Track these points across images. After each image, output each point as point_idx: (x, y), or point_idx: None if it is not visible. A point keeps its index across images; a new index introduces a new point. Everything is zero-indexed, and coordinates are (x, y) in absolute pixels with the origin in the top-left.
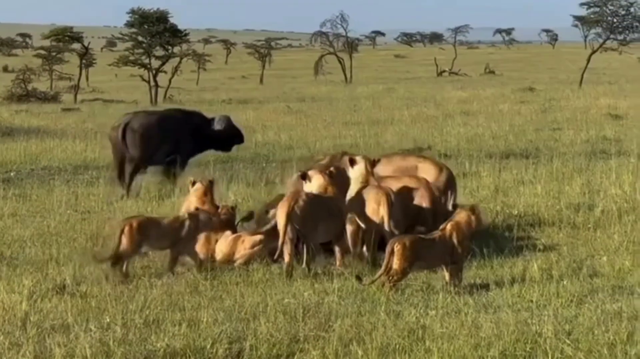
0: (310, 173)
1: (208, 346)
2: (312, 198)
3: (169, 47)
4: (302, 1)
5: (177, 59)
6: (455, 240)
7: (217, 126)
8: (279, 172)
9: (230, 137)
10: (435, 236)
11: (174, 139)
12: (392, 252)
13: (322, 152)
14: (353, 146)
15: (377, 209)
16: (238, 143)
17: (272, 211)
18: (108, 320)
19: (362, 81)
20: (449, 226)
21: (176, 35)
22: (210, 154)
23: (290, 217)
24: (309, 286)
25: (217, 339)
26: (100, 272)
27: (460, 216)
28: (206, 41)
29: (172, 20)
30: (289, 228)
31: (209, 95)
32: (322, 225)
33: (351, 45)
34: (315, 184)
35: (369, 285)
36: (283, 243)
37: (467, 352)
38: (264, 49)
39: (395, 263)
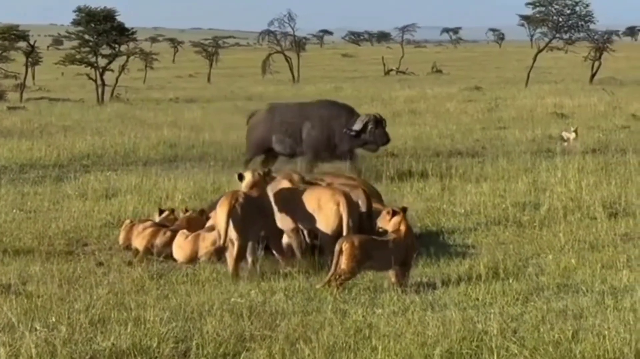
0: (245, 173)
1: (154, 346)
2: (249, 197)
3: (116, 46)
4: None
5: (124, 58)
6: (409, 241)
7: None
8: (225, 172)
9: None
10: (390, 239)
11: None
12: (340, 251)
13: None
14: None
15: (336, 210)
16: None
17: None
18: (54, 320)
19: (310, 80)
20: (403, 228)
21: (123, 33)
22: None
23: (230, 217)
24: (255, 286)
25: (163, 338)
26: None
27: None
28: (153, 40)
29: (119, 18)
30: (230, 228)
31: (156, 94)
32: (258, 224)
33: (299, 44)
34: (245, 182)
35: (322, 287)
36: (224, 243)
37: (414, 350)
38: (212, 47)
39: (344, 263)
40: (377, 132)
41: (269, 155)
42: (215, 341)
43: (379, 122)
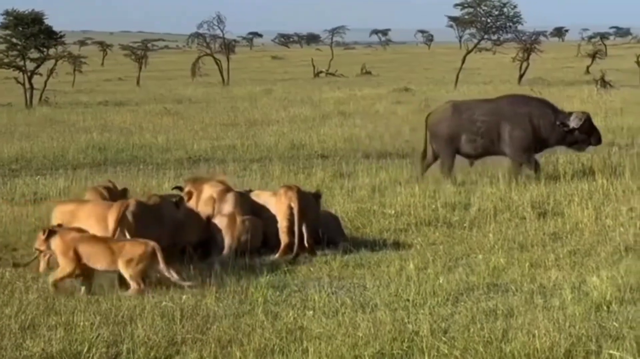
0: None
1: (84, 350)
2: (141, 205)
3: (44, 49)
4: (178, 3)
5: (53, 61)
6: None
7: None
8: (155, 174)
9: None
10: None
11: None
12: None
13: (200, 154)
14: (231, 147)
15: (289, 205)
16: None
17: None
18: None
19: (240, 82)
20: None
21: (51, 37)
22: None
23: (120, 223)
24: (186, 289)
25: (93, 343)
26: None
27: None
28: (82, 43)
29: (47, 21)
30: (118, 235)
31: (85, 97)
32: (150, 231)
33: (228, 47)
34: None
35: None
36: None
37: (345, 352)
38: (141, 50)
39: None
40: (594, 131)
41: (433, 153)
42: (146, 345)
43: (591, 120)
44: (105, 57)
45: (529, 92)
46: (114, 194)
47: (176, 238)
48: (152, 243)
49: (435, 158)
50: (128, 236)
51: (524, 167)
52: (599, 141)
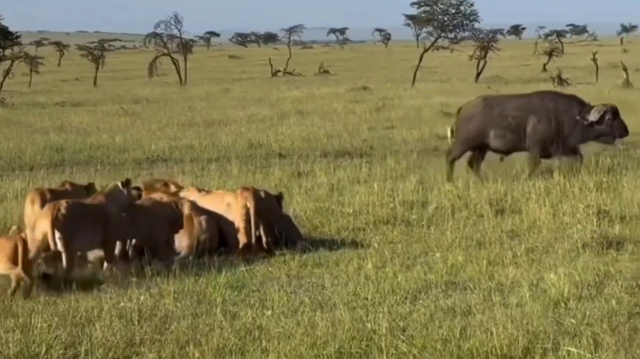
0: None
1: (42, 352)
2: (73, 205)
3: (0, 50)
4: (135, 3)
5: (9, 62)
6: None
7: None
8: (113, 175)
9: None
10: None
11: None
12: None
13: (157, 154)
14: (188, 147)
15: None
16: None
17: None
18: None
19: (197, 82)
20: None
21: (7, 37)
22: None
23: (53, 225)
24: (144, 290)
25: (51, 344)
26: None
27: None
28: (38, 43)
29: (2, 22)
30: (56, 236)
31: (42, 98)
32: (85, 232)
33: (185, 46)
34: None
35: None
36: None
37: (304, 351)
38: (98, 50)
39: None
40: (614, 123)
41: (478, 150)
42: (105, 346)
43: (616, 112)
44: (62, 57)
45: (485, 90)
46: (60, 195)
47: (129, 236)
48: (16, 238)
49: (479, 153)
50: (60, 238)
51: (538, 162)
52: (623, 133)
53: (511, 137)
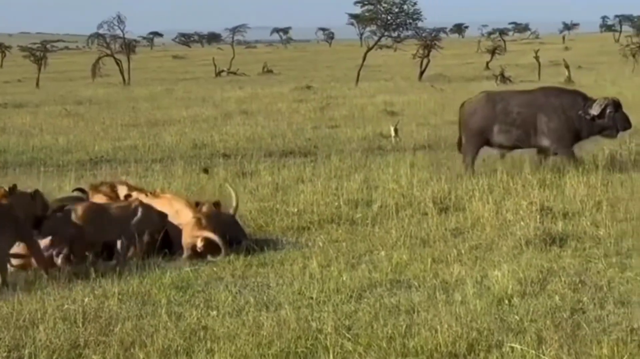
0: None
1: None
2: None
3: None
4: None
5: None
6: None
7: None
8: (56, 176)
9: None
10: None
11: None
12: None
13: (101, 155)
14: (132, 148)
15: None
16: None
17: None
18: None
19: (141, 82)
20: None
21: None
22: None
23: None
24: (89, 291)
25: None
26: None
27: None
28: None
29: None
30: None
31: None
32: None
33: (129, 47)
34: None
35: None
36: None
37: (249, 351)
38: (40, 51)
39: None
40: (616, 116)
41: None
42: (49, 348)
43: (618, 105)
44: (4, 58)
45: (429, 89)
46: None
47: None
48: None
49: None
50: None
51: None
52: (626, 125)
53: (517, 132)
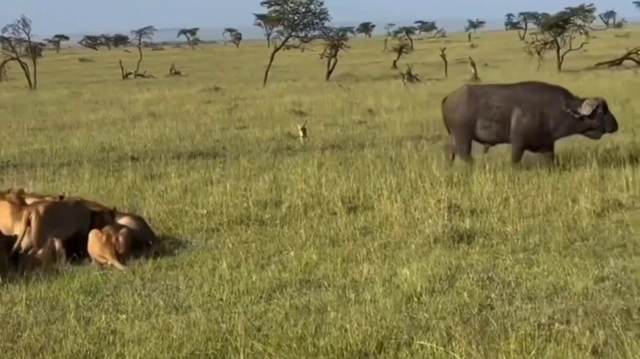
0: None
1: None
2: None
3: None
4: None
5: None
6: None
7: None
8: None
9: None
10: None
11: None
12: None
13: (8, 159)
14: (39, 152)
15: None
16: None
17: None
18: None
19: (47, 86)
20: None
21: None
22: None
23: None
24: None
25: None
26: None
27: None
28: None
29: None
30: None
31: None
32: None
33: (34, 50)
34: None
35: None
36: None
37: (159, 354)
38: None
39: None
40: (606, 117)
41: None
42: None
43: (606, 106)
44: None
45: (336, 88)
46: None
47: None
48: None
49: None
50: None
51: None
52: (614, 128)
53: (496, 127)
